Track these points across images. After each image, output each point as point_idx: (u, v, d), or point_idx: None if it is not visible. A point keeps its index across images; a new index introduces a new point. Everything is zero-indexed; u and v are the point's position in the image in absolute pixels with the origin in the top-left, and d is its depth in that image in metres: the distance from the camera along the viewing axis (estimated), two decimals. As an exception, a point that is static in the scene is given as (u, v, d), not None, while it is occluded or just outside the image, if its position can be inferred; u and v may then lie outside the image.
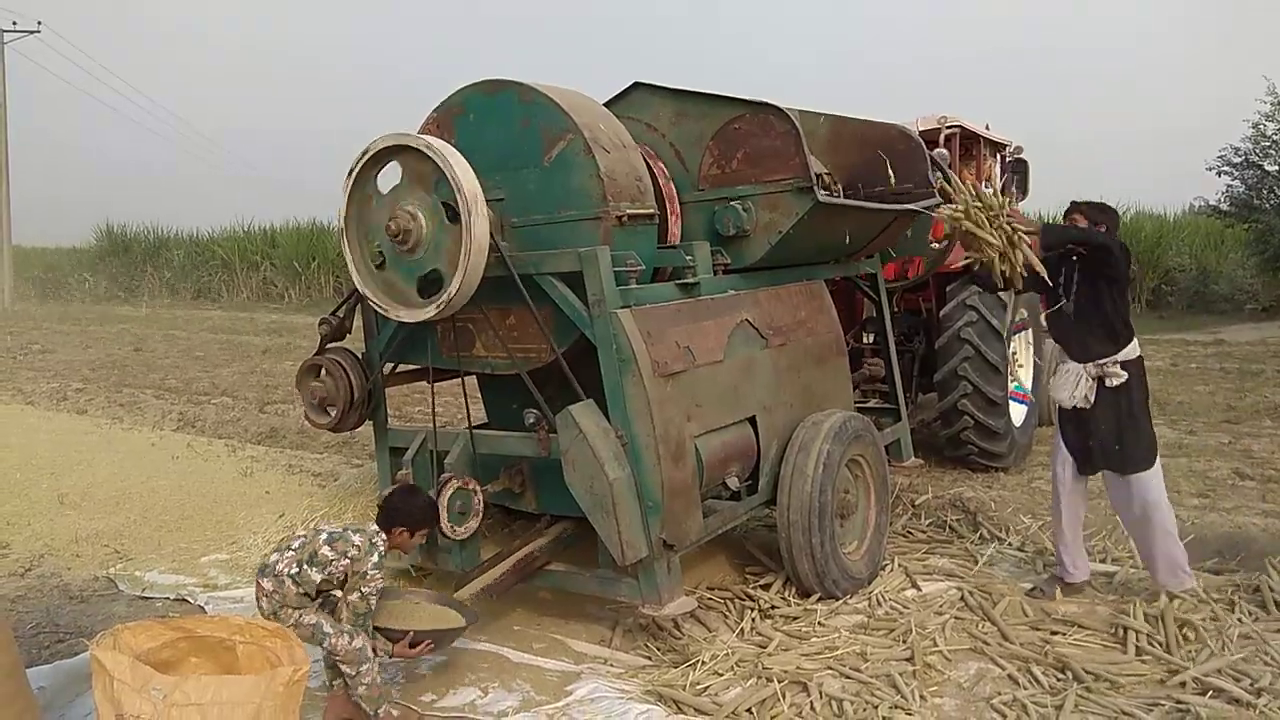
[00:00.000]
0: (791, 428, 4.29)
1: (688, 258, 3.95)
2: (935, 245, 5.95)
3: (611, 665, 3.67)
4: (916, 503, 5.68)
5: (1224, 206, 18.57)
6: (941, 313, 6.56)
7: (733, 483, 3.95)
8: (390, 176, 3.74)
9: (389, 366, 4.33)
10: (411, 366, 4.38)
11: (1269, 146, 17.90)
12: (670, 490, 3.55)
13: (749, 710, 3.22)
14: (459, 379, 4.27)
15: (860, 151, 5.12)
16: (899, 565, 4.61)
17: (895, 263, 6.30)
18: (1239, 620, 3.73)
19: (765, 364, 4.22)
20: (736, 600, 4.25)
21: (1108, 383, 3.97)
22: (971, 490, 5.93)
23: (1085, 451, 4.08)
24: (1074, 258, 4.01)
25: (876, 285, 5.65)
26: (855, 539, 4.48)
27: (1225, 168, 18.52)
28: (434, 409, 4.00)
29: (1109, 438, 4.00)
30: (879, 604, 4.17)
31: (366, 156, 3.66)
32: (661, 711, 3.22)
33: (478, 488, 3.80)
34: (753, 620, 4.03)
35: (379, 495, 4.00)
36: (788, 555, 4.15)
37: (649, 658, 3.71)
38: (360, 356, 4.23)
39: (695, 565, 4.60)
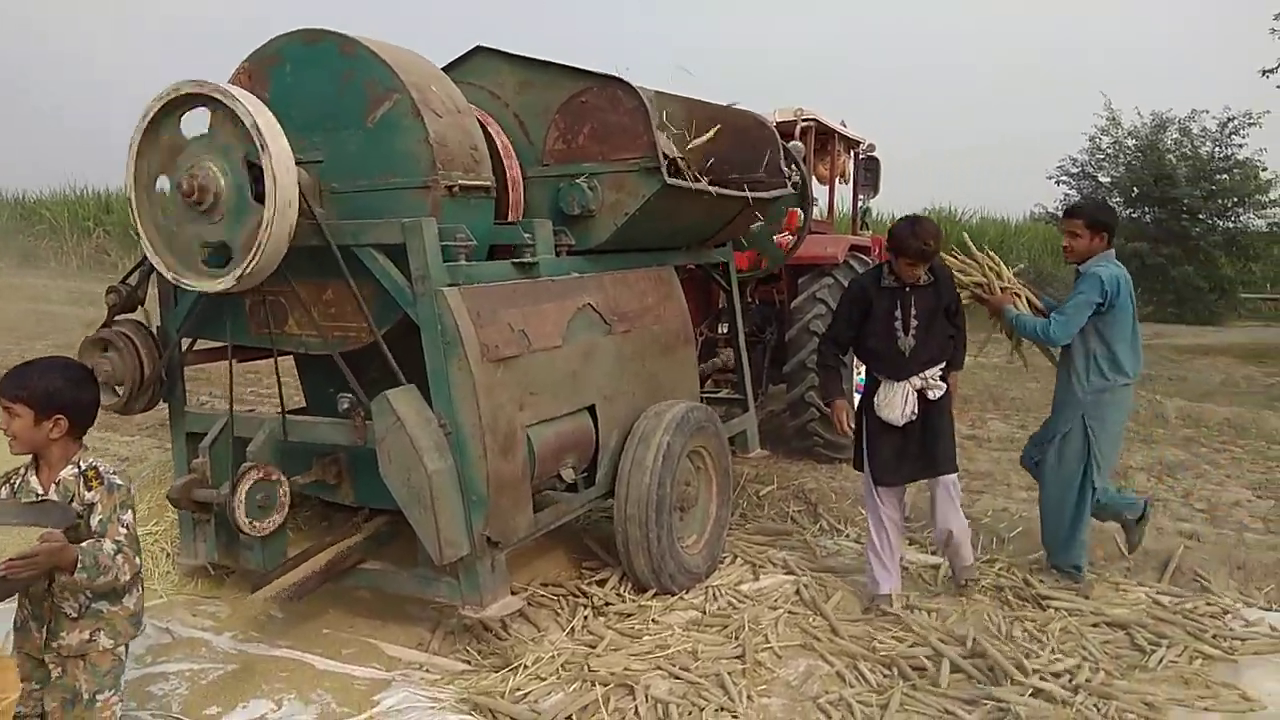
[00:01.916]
0: (633, 418, 4.12)
1: (526, 236, 3.71)
2: (788, 236, 5.91)
3: (428, 671, 3.40)
4: (761, 494, 5.64)
5: (1060, 215, 19.69)
6: (792, 305, 6.57)
7: (568, 475, 3.74)
8: (192, 129, 3.33)
9: (192, 343, 3.91)
10: (217, 343, 3.96)
11: (1103, 159, 19.14)
12: (497, 483, 3.31)
13: (569, 718, 3.03)
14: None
15: (715, 137, 5.00)
16: (739, 558, 4.54)
17: (750, 252, 6.25)
18: (1059, 614, 3.82)
19: (608, 351, 4.03)
20: (570, 597, 4.06)
21: (930, 395, 3.91)
22: (815, 482, 5.96)
23: (900, 461, 3.96)
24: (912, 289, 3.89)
25: (728, 274, 5.56)
26: (695, 532, 4.37)
27: (1064, 177, 19.70)
28: (231, 391, 3.60)
29: (926, 444, 3.94)
30: (715, 598, 4.07)
31: (159, 105, 3.24)
32: (475, 722, 3.00)
33: (283, 479, 3.45)
34: (585, 619, 3.85)
35: (170, 488, 3.58)
36: (624, 550, 3.99)
37: (469, 662, 3.47)
38: (155, 331, 3.79)
39: (530, 561, 4.38)
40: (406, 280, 3.27)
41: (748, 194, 4.65)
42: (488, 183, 3.61)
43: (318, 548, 3.64)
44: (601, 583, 4.18)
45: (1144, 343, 4.48)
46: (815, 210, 6.99)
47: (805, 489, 5.63)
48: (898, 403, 3.87)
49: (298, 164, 3.40)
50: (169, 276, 3.35)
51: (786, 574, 4.37)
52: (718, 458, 4.46)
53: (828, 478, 6.40)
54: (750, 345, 7.20)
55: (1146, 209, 18.59)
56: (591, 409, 3.90)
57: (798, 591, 4.13)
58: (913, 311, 3.88)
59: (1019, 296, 4.39)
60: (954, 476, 3.96)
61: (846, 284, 4.09)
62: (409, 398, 3.25)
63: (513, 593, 3.96)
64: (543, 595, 4.06)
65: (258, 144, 3.08)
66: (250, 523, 3.34)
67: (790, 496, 5.58)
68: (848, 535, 5.01)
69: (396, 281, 3.30)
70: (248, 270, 3.14)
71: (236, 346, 3.83)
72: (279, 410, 3.70)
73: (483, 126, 3.86)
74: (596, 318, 3.97)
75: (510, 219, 3.97)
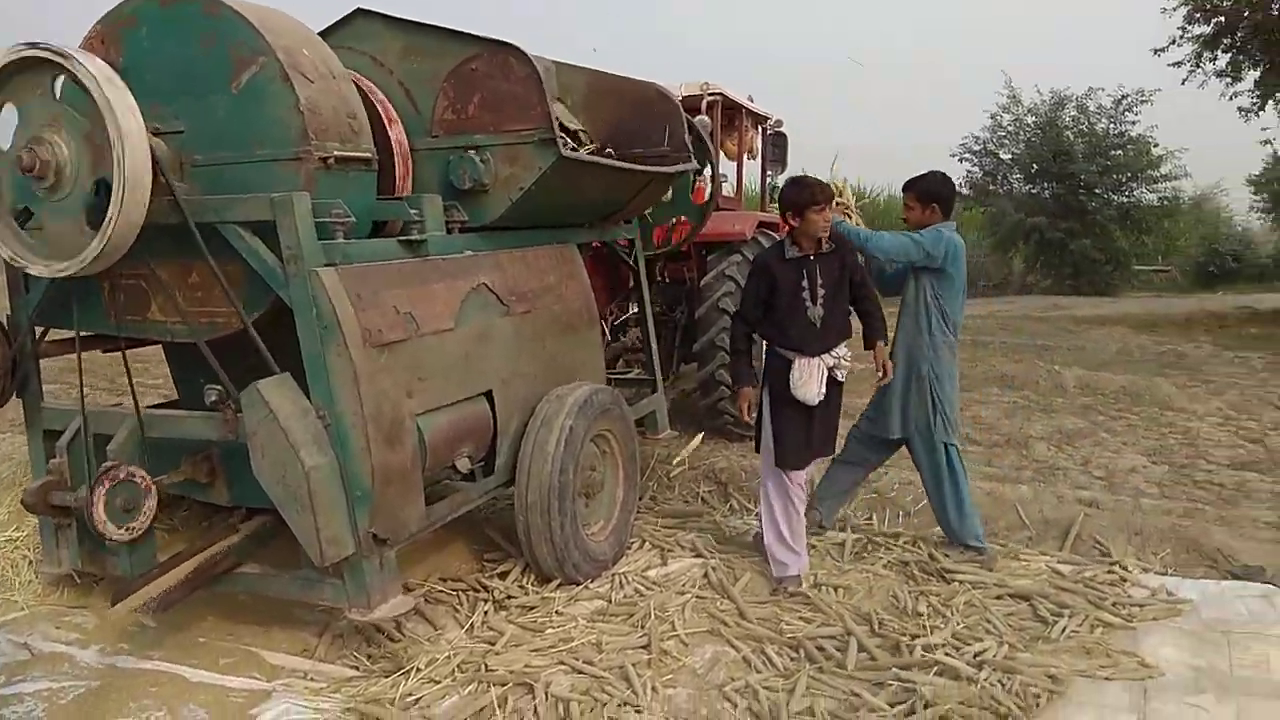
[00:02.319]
0: (534, 402, 3.95)
1: (413, 212, 3.48)
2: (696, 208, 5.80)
3: (312, 679, 3.19)
4: (671, 475, 5.54)
5: (964, 190, 20.22)
6: (702, 282, 6.48)
7: (463, 464, 3.55)
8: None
9: (44, 332, 3.58)
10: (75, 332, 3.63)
11: (1004, 136, 19.65)
12: (383, 477, 3.10)
13: (464, 723, 2.87)
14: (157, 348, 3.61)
15: (617, 110, 4.83)
16: (648, 542, 4.43)
17: (660, 229, 6.12)
18: (963, 587, 3.82)
19: (505, 333, 3.84)
20: (470, 592, 3.88)
21: (838, 376, 3.88)
22: (726, 461, 5.89)
23: (807, 444, 3.92)
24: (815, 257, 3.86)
25: (634, 252, 5.41)
26: (601, 518, 4.24)
27: (966, 154, 20.17)
28: (81, 383, 3.28)
29: (829, 425, 3.97)
30: (622, 586, 3.95)
31: (-8, 69, 2.91)
32: (362, 732, 2.81)
33: (148, 479, 3.18)
34: (485, 614, 3.69)
35: (24, 491, 3.28)
36: (526, 539, 3.83)
37: (357, 667, 3.26)
38: (5, 320, 3.46)
39: (428, 555, 4.19)
40: (278, 260, 3.02)
41: (650, 168, 4.50)
42: (368, 154, 3.37)
43: (189, 552, 3.37)
44: (504, 575, 4.01)
45: (1043, 315, 4.56)
46: (725, 187, 6.91)
47: (716, 469, 5.56)
48: (814, 382, 3.81)
49: (156, 134, 3.14)
50: (6, 258, 3.03)
51: (695, 557, 4.27)
52: (623, 441, 4.32)
53: (739, 456, 6.34)
54: (661, 324, 7.11)
55: (1046, 185, 19.20)
56: (489, 394, 3.71)
57: (706, 575, 4.04)
58: (819, 281, 3.83)
59: (850, 215, 4.54)
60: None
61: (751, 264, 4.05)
62: (282, 388, 3.02)
63: (408, 590, 3.78)
64: (441, 591, 3.87)
65: (102, 112, 2.79)
66: (112, 527, 3.07)
67: (701, 477, 5.50)
68: (757, 515, 4.94)
69: (266, 262, 3.06)
70: (95, 253, 2.85)
71: (100, 336, 3.53)
72: (134, 405, 3.40)
73: (365, 95, 3.61)
74: (492, 298, 3.77)
75: (398, 194, 3.73)
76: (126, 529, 3.11)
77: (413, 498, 3.26)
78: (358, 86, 3.57)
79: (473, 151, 3.76)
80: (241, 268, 3.13)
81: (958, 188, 20.24)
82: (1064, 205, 18.43)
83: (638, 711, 2.96)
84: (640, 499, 5.17)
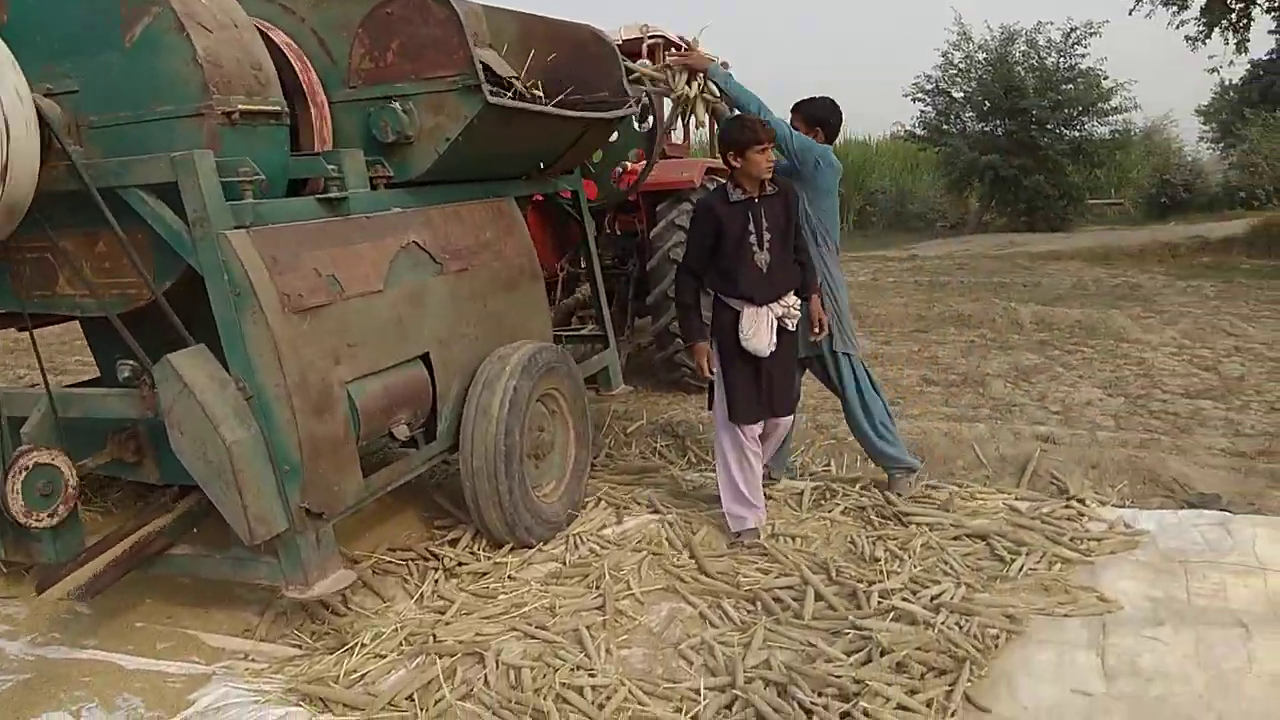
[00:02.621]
0: (476, 364, 3.81)
1: (331, 167, 3.29)
2: (631, 163, 5.61)
3: (253, 660, 3.07)
4: (629, 431, 5.44)
5: (918, 131, 20.12)
6: (651, 233, 6.33)
7: (401, 432, 3.41)
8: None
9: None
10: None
11: (956, 75, 19.50)
12: (312, 449, 2.95)
13: (409, 698, 2.76)
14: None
15: (552, 55, 4.62)
16: (603, 501, 4.33)
17: (618, 173, 5.93)
18: (921, 529, 3.77)
19: (440, 293, 3.67)
20: (420, 561, 3.76)
21: (788, 326, 3.77)
22: (684, 414, 5.80)
23: (758, 398, 3.80)
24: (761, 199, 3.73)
25: (578, 204, 5.24)
26: (553, 479, 4.13)
27: (919, 94, 20.02)
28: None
29: (777, 380, 3.84)
30: (577, 546, 3.86)
31: None
32: (304, 713, 2.70)
33: (68, 461, 3.01)
34: (435, 583, 3.58)
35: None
36: (474, 505, 3.72)
37: (300, 646, 3.15)
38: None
39: (376, 525, 4.07)
40: (184, 224, 2.83)
41: (585, 114, 4.32)
42: (277, 107, 3.16)
43: (118, 534, 3.21)
44: (454, 542, 3.90)
45: (999, 253, 4.51)
46: (672, 134, 6.72)
47: (673, 422, 5.46)
48: (764, 331, 3.70)
49: (48, 95, 2.93)
50: (-114, 235, 2.81)
51: (652, 513, 4.19)
52: (572, 399, 4.20)
53: (697, 408, 6.26)
54: (613, 278, 6.96)
55: (998, 122, 19.13)
56: (425, 357, 3.56)
57: (662, 531, 3.96)
58: (764, 225, 3.70)
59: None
60: (792, 418, 4.02)
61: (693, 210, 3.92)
62: (197, 360, 2.85)
63: (355, 562, 3.67)
64: (390, 561, 3.76)
65: (-24, 69, 2.56)
66: (31, 513, 2.91)
67: (658, 431, 5.40)
68: (714, 467, 4.87)
69: (173, 227, 2.86)
70: (-20, 223, 2.65)
71: (11, 314, 3.33)
72: (72, 383, 3.22)
73: (275, 45, 3.39)
74: (424, 257, 3.60)
75: (317, 149, 3.53)
76: (48, 514, 2.96)
77: (347, 469, 3.12)
78: (266, 36, 3.35)
79: (394, 102, 3.55)
80: (149, 234, 2.94)
81: (912, 130, 20.15)
82: (1017, 142, 18.40)
83: (591, 675, 2.88)
84: (596, 457, 5.08)
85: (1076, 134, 18.80)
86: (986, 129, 19.28)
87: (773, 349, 3.72)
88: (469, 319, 3.83)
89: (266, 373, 2.86)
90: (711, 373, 3.86)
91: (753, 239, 3.69)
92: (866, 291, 10.41)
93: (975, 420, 5.46)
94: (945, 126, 19.74)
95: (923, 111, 19.83)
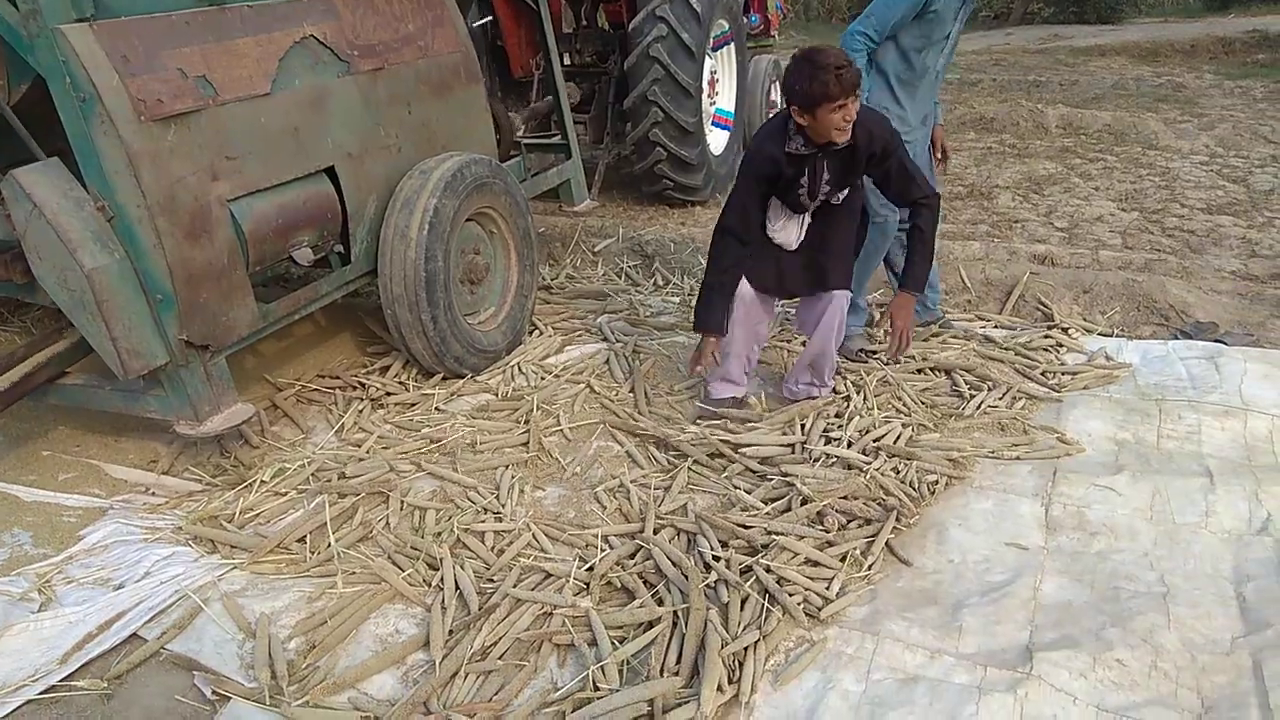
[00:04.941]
0: (398, 179, 3.45)
1: (193, -54, 2.81)
2: None
3: (154, 494, 2.93)
4: (596, 250, 5.10)
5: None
6: (630, 25, 5.72)
7: (304, 255, 3.10)
8: None
9: None
10: None
11: None
12: (186, 276, 2.67)
13: (301, 540, 2.62)
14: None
15: None
16: (549, 328, 4.07)
17: None
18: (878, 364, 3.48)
19: (348, 96, 3.25)
20: (346, 390, 3.57)
21: (834, 200, 3.02)
22: (662, 230, 5.43)
23: (782, 277, 3.15)
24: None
25: (534, -12, 4.66)
26: (492, 305, 3.85)
27: None
28: None
29: (819, 260, 3.11)
30: (514, 378, 3.63)
31: None
32: (189, 553, 2.57)
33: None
34: (360, 414, 3.39)
35: None
36: (397, 334, 3.47)
37: (200, 480, 3.00)
38: None
39: (306, 351, 3.86)
40: (20, 18, 2.43)
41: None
42: None
43: (6, 362, 3.01)
44: (385, 370, 3.69)
45: (1041, 47, 3.87)
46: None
47: (643, 241, 5.09)
48: (794, 228, 3.10)
49: None
50: None
51: (601, 342, 3.93)
52: (512, 219, 3.84)
53: (677, 224, 5.90)
54: (594, 77, 6.38)
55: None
56: (331, 171, 3.20)
57: (608, 362, 3.71)
58: (825, 176, 2.94)
59: None
60: (846, 295, 3.12)
61: (747, 153, 3.07)
62: (48, 177, 2.54)
63: (280, 390, 3.49)
64: (315, 390, 3.56)
65: None
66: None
67: (627, 251, 5.06)
68: (678, 287, 4.56)
69: (8, 21, 2.46)
70: None
71: None
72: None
73: None
74: (326, 54, 3.16)
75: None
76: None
77: (235, 297, 2.85)
78: None
79: None
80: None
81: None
82: (1074, -80, 16.55)
83: (498, 519, 2.71)
84: (555, 279, 4.79)
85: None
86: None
87: (801, 240, 3.13)
88: (388, 128, 3.42)
89: (124, 191, 2.54)
90: (703, 367, 3.19)
91: (803, 192, 2.97)
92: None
93: (971, 239, 5.06)
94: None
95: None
